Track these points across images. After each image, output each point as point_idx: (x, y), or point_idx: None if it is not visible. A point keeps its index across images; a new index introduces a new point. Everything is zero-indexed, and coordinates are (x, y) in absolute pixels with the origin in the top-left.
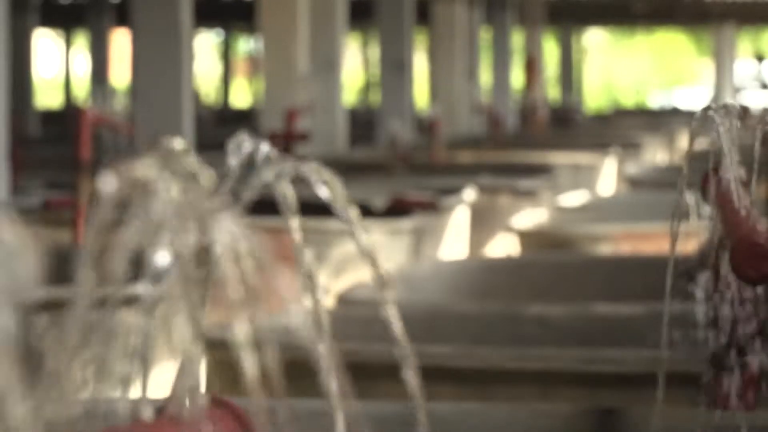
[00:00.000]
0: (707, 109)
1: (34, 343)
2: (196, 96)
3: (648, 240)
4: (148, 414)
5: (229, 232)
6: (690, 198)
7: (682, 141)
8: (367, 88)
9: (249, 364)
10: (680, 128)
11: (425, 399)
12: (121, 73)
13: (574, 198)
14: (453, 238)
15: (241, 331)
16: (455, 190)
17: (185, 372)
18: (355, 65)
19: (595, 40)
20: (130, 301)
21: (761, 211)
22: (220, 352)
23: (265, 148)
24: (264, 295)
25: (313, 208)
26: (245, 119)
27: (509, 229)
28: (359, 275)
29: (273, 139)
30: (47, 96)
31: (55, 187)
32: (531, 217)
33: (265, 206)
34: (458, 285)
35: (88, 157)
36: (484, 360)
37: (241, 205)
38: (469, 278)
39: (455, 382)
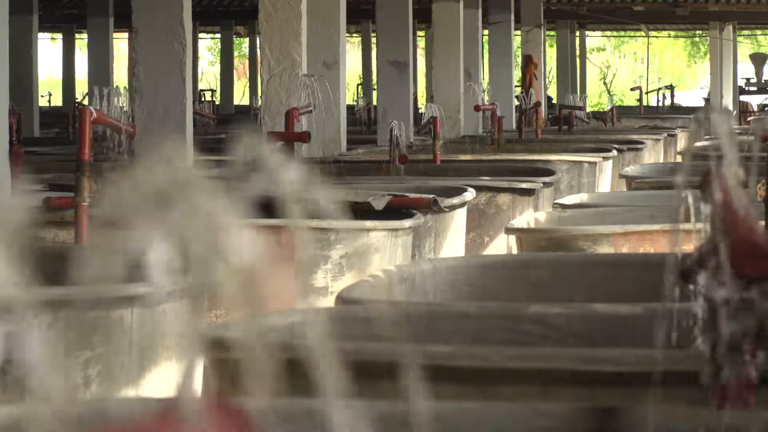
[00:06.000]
0: (707, 109)
1: (35, 343)
2: (196, 96)
3: (647, 240)
4: (148, 413)
5: (230, 232)
6: (689, 198)
7: (682, 141)
8: (366, 87)
9: (249, 364)
10: (680, 128)
11: (425, 399)
12: (121, 73)
13: (574, 198)
14: (453, 238)
15: (241, 331)
16: (455, 190)
17: (187, 372)
18: (355, 65)
19: (595, 41)
20: (131, 301)
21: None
22: (220, 352)
23: (268, 147)
24: (264, 296)
25: (315, 209)
26: (245, 119)
27: (509, 229)
28: (359, 275)
29: (273, 139)
30: (48, 96)
31: (55, 187)
32: (531, 217)
33: (266, 207)
34: (458, 285)
35: (88, 157)
36: (484, 360)
37: (244, 206)
38: (469, 278)
39: (455, 382)
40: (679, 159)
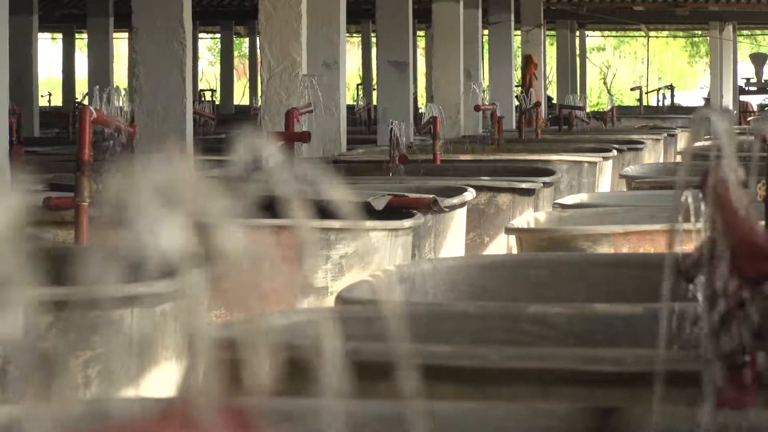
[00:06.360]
0: (706, 109)
1: (35, 343)
2: (196, 96)
3: (647, 240)
4: (148, 413)
5: (231, 232)
6: (689, 198)
7: (682, 141)
8: (366, 87)
9: (250, 364)
10: (680, 128)
11: (425, 399)
12: (121, 73)
13: (574, 198)
14: (453, 238)
15: (242, 330)
16: (455, 190)
17: (187, 372)
18: (355, 65)
19: (595, 41)
20: (131, 301)
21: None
22: (221, 352)
23: (269, 147)
24: (265, 295)
25: (315, 208)
26: (245, 119)
27: (509, 229)
28: (359, 275)
29: (273, 139)
30: (48, 96)
31: (55, 187)
32: (531, 217)
33: (267, 206)
34: (458, 285)
35: (88, 157)
36: (484, 360)
37: (245, 205)
38: (469, 278)
39: (455, 382)
40: (679, 159)
